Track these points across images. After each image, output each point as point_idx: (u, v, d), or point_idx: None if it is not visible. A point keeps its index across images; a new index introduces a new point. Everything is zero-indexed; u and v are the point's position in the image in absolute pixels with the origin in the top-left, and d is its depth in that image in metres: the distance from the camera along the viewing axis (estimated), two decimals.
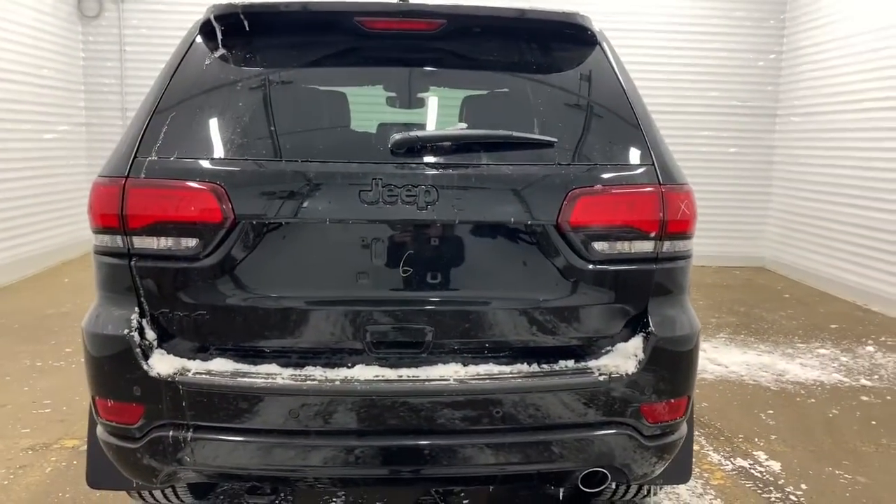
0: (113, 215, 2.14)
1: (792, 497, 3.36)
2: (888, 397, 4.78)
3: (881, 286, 7.36)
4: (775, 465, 3.69)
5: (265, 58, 2.43)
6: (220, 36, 2.36)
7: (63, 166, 8.70)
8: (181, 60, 2.35)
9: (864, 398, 4.75)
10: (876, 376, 5.21)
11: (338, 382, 2.13)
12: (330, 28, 2.44)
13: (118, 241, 2.16)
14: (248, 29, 2.36)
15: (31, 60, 7.92)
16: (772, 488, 3.45)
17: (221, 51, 2.37)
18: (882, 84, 7.42)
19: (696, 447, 3.80)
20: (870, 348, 5.92)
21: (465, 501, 3.18)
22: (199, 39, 2.40)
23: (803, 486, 3.47)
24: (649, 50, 9.33)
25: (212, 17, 2.36)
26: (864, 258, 7.65)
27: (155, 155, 2.17)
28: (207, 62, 2.35)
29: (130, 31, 9.17)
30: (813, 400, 4.70)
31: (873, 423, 4.32)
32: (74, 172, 8.96)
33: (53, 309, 6.42)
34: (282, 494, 3.19)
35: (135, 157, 2.17)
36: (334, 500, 3.18)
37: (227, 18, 2.36)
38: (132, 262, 2.16)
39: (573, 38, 2.50)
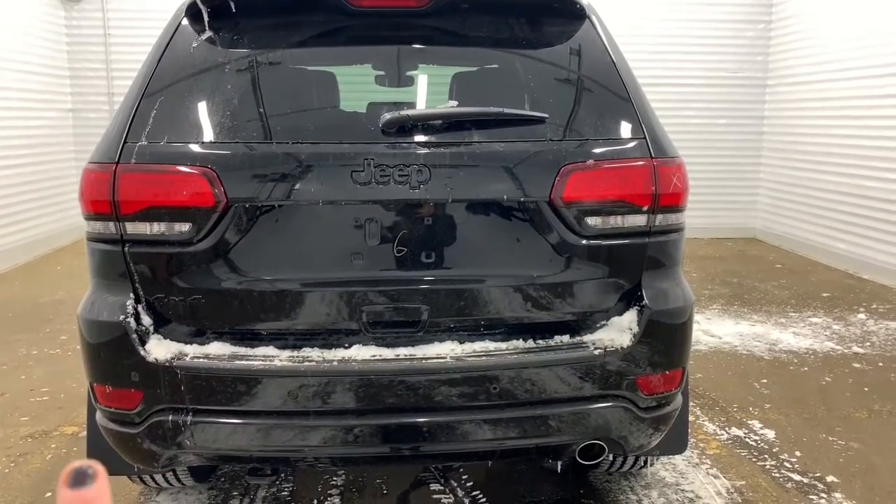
0: (104, 202, 2.13)
1: (786, 464, 3.41)
2: (880, 364, 4.83)
3: (872, 254, 7.40)
4: (770, 434, 3.74)
5: (253, 39, 2.41)
6: (206, 18, 2.34)
7: (51, 153, 8.63)
8: (168, 44, 2.33)
9: (857, 365, 4.80)
10: (868, 343, 5.26)
11: (335, 363, 2.14)
12: (317, 7, 2.42)
13: (111, 228, 2.15)
14: (234, 10, 2.34)
15: (14, 46, 7.82)
16: (766, 456, 3.49)
17: (208, 33, 2.35)
18: (871, 52, 7.41)
19: (691, 418, 3.84)
20: (861, 316, 5.97)
21: (464, 477, 3.22)
22: (185, 22, 2.38)
23: (797, 453, 3.52)
24: (638, 22, 9.28)
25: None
26: (855, 226, 7.69)
27: (145, 140, 2.16)
28: (195, 45, 2.33)
29: (114, 15, 9.06)
30: (806, 368, 4.75)
31: (865, 389, 4.37)
32: (62, 159, 8.90)
33: (47, 297, 6.40)
34: (283, 475, 3.22)
35: (124, 142, 2.16)
36: (335, 478, 3.21)
37: (212, 0, 2.34)
38: (125, 248, 2.16)
39: (562, 12, 2.49)
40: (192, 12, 2.37)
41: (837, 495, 3.12)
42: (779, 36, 9.39)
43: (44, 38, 8.53)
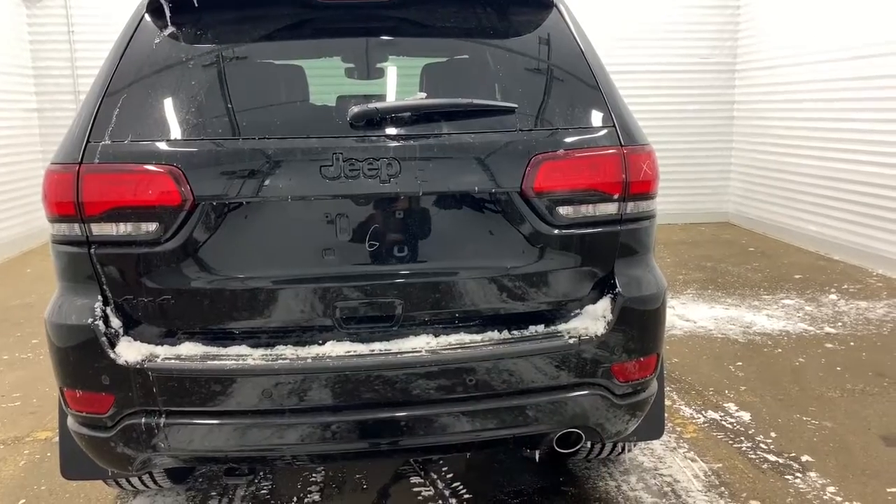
0: (69, 203, 2.09)
1: (762, 445, 3.45)
2: (851, 343, 4.91)
3: (842, 235, 7.51)
4: (745, 416, 3.78)
5: (217, 34, 2.38)
6: (168, 13, 2.30)
7: (17, 154, 8.46)
8: (129, 40, 2.29)
9: (829, 345, 4.87)
10: (839, 323, 5.34)
11: (309, 360, 2.12)
12: (282, 0, 2.38)
13: (76, 230, 2.11)
14: (196, 5, 2.30)
15: None
16: (742, 438, 3.53)
17: (171, 28, 2.31)
18: (836, 35, 7.49)
19: (668, 402, 3.87)
20: (833, 296, 6.05)
21: (444, 469, 3.22)
22: (147, 18, 2.34)
23: (773, 434, 3.56)
24: (606, 8, 9.30)
25: None
26: (826, 209, 7.79)
27: (108, 139, 2.12)
28: (157, 41, 2.29)
29: (78, 12, 8.89)
30: (780, 350, 4.81)
31: (838, 368, 4.44)
32: (29, 160, 8.73)
33: (17, 300, 6.29)
34: (261, 473, 3.20)
35: (87, 141, 2.12)
36: (314, 475, 3.19)
37: None
38: (92, 250, 2.12)
39: (529, 1, 2.48)
40: (154, 8, 2.32)
41: (812, 474, 3.17)
42: (747, 21, 9.46)
43: (5, 37, 8.35)
